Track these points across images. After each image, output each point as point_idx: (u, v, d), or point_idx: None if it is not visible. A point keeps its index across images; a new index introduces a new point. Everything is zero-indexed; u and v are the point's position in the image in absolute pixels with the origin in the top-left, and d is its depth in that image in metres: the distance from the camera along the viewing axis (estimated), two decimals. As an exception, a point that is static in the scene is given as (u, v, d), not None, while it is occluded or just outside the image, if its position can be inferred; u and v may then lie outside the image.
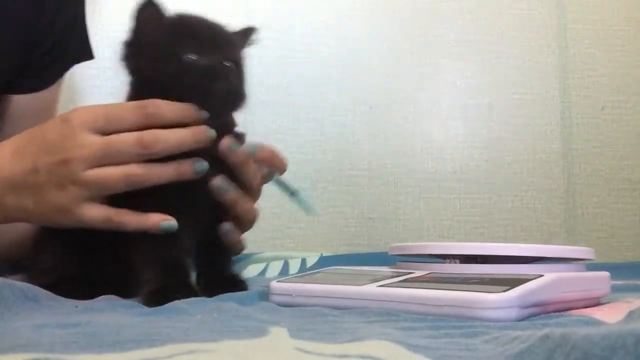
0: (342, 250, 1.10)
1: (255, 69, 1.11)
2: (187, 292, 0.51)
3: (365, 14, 1.17)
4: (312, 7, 1.17)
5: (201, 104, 0.55)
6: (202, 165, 0.55)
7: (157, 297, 0.50)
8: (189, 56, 0.54)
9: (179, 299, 0.49)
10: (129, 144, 0.54)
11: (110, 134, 0.54)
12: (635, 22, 1.22)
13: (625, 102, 1.21)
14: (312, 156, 1.11)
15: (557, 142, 1.18)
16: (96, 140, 0.54)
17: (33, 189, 0.56)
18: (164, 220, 0.53)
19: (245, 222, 0.61)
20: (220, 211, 0.58)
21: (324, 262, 0.96)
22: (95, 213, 0.55)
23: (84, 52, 0.85)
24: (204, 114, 0.55)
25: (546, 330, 0.30)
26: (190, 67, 0.54)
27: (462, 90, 1.18)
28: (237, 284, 0.58)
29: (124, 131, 0.54)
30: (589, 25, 1.21)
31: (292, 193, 0.63)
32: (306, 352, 0.30)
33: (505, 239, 1.14)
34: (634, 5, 1.23)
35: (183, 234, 0.55)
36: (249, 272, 0.99)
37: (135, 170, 0.54)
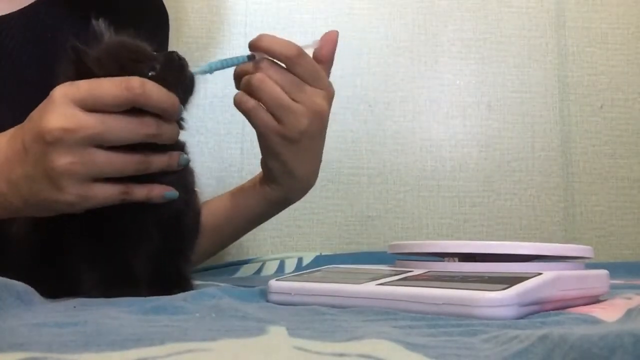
0: (341, 249, 1.10)
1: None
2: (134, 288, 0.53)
3: (364, 12, 1.17)
4: (311, 5, 1.16)
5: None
6: (185, 158, 0.58)
7: (103, 287, 0.52)
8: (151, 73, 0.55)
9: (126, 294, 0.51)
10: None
11: (93, 109, 0.52)
12: (634, 20, 1.22)
13: (624, 101, 1.21)
14: (311, 154, 1.11)
15: (556, 140, 1.18)
16: (75, 112, 0.51)
17: (28, 176, 0.53)
18: (166, 191, 0.55)
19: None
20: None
21: (320, 261, 0.96)
22: (105, 191, 0.53)
23: None
24: (182, 109, 0.56)
25: (545, 330, 0.30)
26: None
27: (461, 88, 1.18)
28: (179, 284, 0.57)
29: (106, 105, 0.51)
30: (588, 24, 1.21)
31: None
32: (305, 350, 0.30)
33: (504, 237, 1.14)
34: (632, 4, 1.23)
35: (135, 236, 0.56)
36: (245, 271, 0.99)
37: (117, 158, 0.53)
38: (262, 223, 0.82)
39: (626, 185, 1.19)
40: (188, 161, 0.58)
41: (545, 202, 1.17)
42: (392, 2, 1.18)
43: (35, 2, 0.78)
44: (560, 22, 1.21)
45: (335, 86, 1.15)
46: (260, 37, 0.65)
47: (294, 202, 0.78)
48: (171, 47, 1.03)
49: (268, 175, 0.74)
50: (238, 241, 1.09)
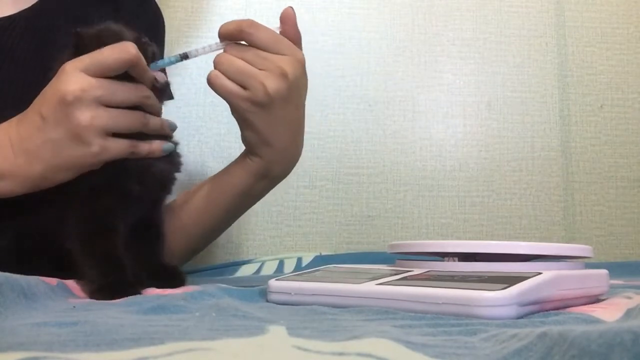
0: (341, 249, 1.10)
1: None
2: (132, 288, 0.56)
3: (364, 12, 1.17)
4: (310, 5, 1.17)
5: None
6: (173, 124, 0.67)
7: (104, 293, 0.55)
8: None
9: (127, 294, 0.54)
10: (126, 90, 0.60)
11: (96, 74, 0.59)
12: (634, 20, 1.22)
13: (623, 100, 1.21)
14: (311, 154, 1.11)
15: (556, 140, 1.18)
16: (85, 77, 0.58)
17: (49, 141, 0.59)
18: (164, 144, 0.64)
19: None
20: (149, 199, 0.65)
21: (319, 261, 0.96)
22: (119, 144, 0.60)
23: None
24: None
25: (544, 328, 0.30)
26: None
27: (461, 88, 1.18)
28: (176, 277, 0.62)
29: (109, 66, 0.59)
30: (588, 23, 1.21)
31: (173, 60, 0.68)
32: (305, 350, 0.30)
33: (503, 237, 1.14)
34: (632, 4, 1.23)
35: (120, 223, 0.61)
36: (244, 271, 0.99)
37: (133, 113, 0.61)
38: (251, 202, 0.81)
39: (626, 185, 1.19)
40: (176, 127, 0.67)
41: (545, 202, 1.17)
42: (392, 2, 1.18)
43: (36, 3, 0.78)
44: (560, 22, 1.21)
45: (335, 86, 1.16)
46: (220, 26, 0.70)
47: (277, 175, 0.78)
48: (172, 45, 1.03)
49: (247, 147, 0.76)
50: (237, 241, 1.09)
